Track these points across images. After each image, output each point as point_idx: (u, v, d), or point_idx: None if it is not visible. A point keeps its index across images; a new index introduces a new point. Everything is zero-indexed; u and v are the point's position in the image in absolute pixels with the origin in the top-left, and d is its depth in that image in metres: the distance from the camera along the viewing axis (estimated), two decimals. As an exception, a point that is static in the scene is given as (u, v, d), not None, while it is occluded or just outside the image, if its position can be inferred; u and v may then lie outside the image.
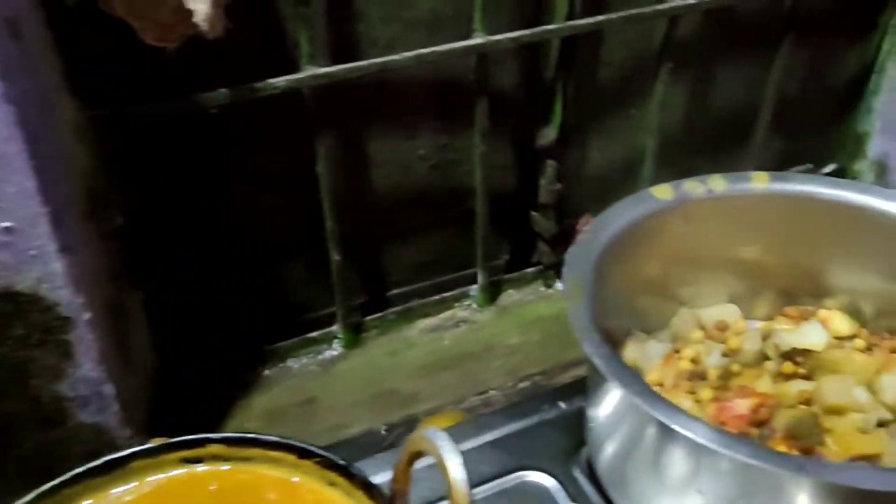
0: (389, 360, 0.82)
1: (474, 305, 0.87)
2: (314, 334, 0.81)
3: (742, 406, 0.51)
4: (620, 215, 0.56)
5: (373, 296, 0.85)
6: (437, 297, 0.86)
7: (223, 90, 0.61)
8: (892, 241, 0.56)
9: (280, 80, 0.62)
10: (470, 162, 0.79)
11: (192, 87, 0.61)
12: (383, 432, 0.74)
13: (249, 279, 0.77)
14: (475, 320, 0.86)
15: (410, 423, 0.75)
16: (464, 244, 0.85)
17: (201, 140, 0.68)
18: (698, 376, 0.55)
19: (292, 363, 0.80)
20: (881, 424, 0.53)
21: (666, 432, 0.44)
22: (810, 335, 0.57)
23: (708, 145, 0.95)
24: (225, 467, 0.39)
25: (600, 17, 0.73)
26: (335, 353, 0.82)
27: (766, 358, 0.58)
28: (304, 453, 0.38)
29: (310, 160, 0.70)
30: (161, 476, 0.39)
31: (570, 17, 0.74)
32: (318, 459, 0.38)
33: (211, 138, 0.68)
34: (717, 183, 0.58)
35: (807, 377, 0.56)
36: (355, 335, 0.82)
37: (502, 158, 0.83)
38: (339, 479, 0.38)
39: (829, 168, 1.03)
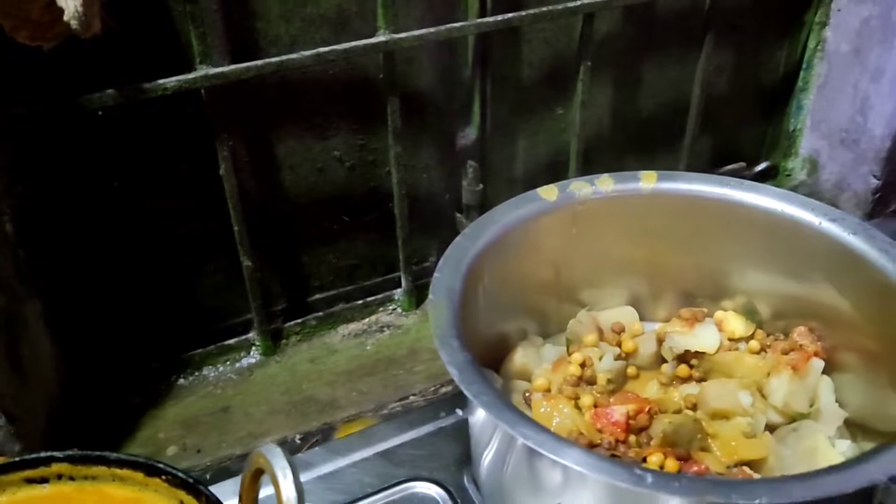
0: (310, 367, 0.80)
1: (399, 310, 0.86)
2: (231, 342, 0.79)
3: (618, 413, 0.49)
4: (502, 217, 0.55)
5: (294, 301, 0.83)
6: (360, 302, 0.85)
7: (110, 91, 0.59)
8: (785, 240, 0.55)
9: (171, 81, 0.60)
10: (389, 163, 0.77)
11: (82, 89, 0.59)
12: (297, 441, 0.72)
13: (162, 286, 0.75)
14: (399, 325, 0.85)
15: (326, 432, 0.73)
16: (388, 247, 0.83)
17: (98, 143, 0.66)
18: (586, 381, 0.54)
19: (208, 371, 0.78)
20: (771, 427, 0.52)
21: (514, 442, 0.42)
22: (703, 337, 0.56)
23: (638, 145, 0.94)
24: (70, 486, 0.37)
25: (510, 15, 0.71)
26: (253, 360, 0.80)
27: (665, 360, 0.57)
28: (151, 471, 0.37)
29: (215, 163, 0.68)
30: (1, 498, 0.37)
31: (483, 14, 0.73)
32: (165, 477, 0.36)
33: (108, 141, 0.66)
34: (605, 183, 0.57)
35: (702, 379, 0.55)
36: (274, 342, 0.81)
37: (423, 159, 0.82)
38: (188, 498, 0.36)
39: (762, 166, 1.03)
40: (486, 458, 0.48)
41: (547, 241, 0.57)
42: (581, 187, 0.57)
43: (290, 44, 0.69)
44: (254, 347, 0.80)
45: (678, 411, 0.52)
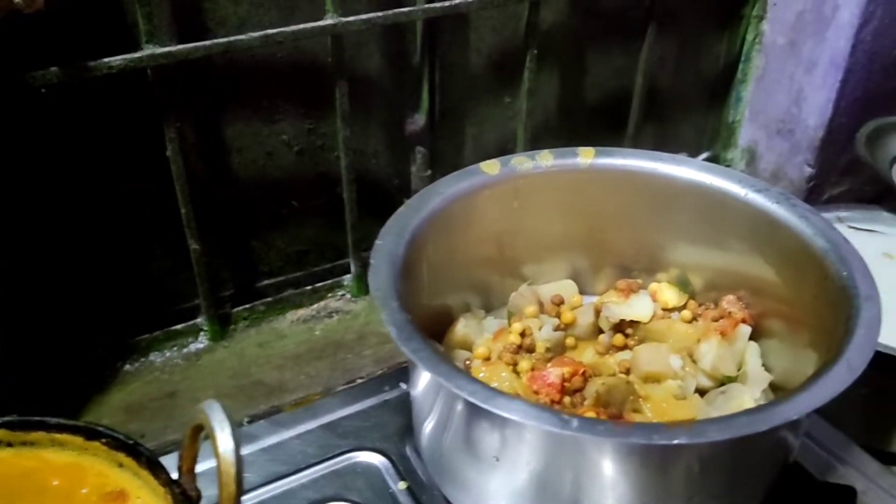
0: (258, 352, 0.80)
1: (348, 295, 0.86)
2: (178, 327, 0.79)
3: (554, 375, 0.51)
4: (445, 189, 0.56)
5: (243, 286, 0.83)
6: (309, 288, 0.85)
7: (54, 69, 0.58)
8: (714, 213, 0.57)
9: (116, 59, 0.60)
10: (338, 147, 0.78)
11: (25, 66, 0.58)
12: (245, 424, 0.72)
13: (108, 270, 0.74)
14: (348, 310, 0.85)
15: (273, 414, 0.73)
16: (337, 233, 0.84)
17: (42, 122, 0.65)
18: (525, 349, 0.55)
19: (155, 357, 0.78)
20: (702, 391, 0.54)
21: (449, 394, 0.43)
22: (637, 307, 0.58)
23: (583, 133, 0.96)
24: (7, 452, 0.37)
25: (457, 1, 0.73)
26: (201, 345, 0.80)
27: (602, 331, 0.58)
28: (90, 434, 0.37)
29: (162, 145, 0.67)
30: (-61, 465, 0.37)
31: (431, 0, 0.74)
32: (105, 440, 0.36)
33: (53, 121, 0.65)
34: (545, 158, 0.59)
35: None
36: (223, 327, 0.80)
37: (372, 144, 0.82)
38: (127, 460, 0.36)
39: (703, 156, 1.06)
40: (428, 426, 0.49)
41: (489, 214, 0.58)
42: (522, 162, 0.58)
43: (238, 25, 0.69)
44: (202, 332, 0.80)
45: (612, 375, 0.54)
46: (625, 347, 0.57)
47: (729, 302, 0.58)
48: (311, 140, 0.78)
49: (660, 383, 0.53)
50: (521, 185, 0.58)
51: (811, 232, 0.51)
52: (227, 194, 0.77)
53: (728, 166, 1.07)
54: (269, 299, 0.83)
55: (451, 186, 0.56)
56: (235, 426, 0.33)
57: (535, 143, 0.90)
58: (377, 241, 0.51)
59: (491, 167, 0.58)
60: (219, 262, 0.79)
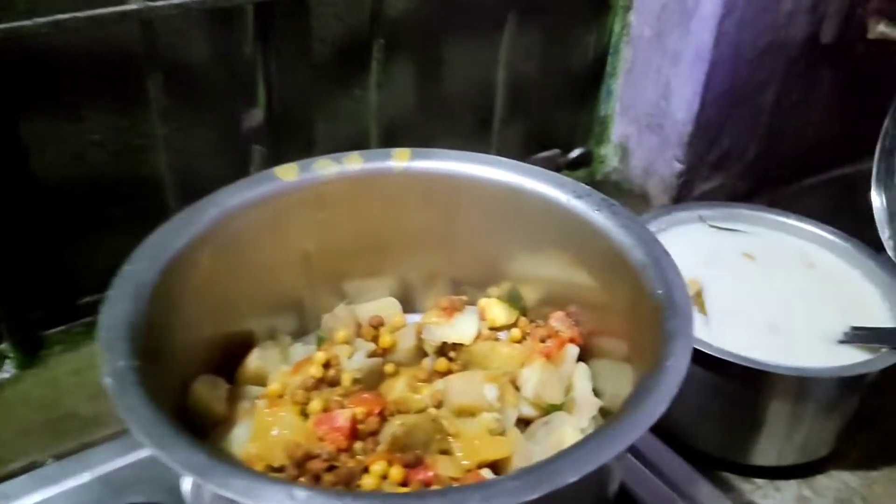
0: (73, 380, 0.70)
1: (183, 311, 0.78)
2: (-23, 355, 0.69)
3: (342, 417, 0.45)
4: (227, 200, 0.49)
5: (57, 305, 0.73)
6: (138, 304, 0.76)
7: None
8: (538, 220, 0.51)
9: None
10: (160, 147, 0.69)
11: None
12: (50, 463, 0.63)
13: None
14: (183, 327, 0.77)
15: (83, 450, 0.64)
16: (170, 242, 0.75)
17: None
18: (328, 383, 0.49)
19: (-50, 390, 0.68)
20: (528, 421, 0.48)
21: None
22: (460, 328, 0.52)
23: (448, 128, 0.91)
24: None
25: (282, -17, 0.65)
26: (6, 375, 0.70)
27: (427, 354, 0.52)
28: None
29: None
30: None
31: (255, -18, 0.66)
32: None
33: None
34: (354, 161, 0.52)
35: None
36: (32, 353, 0.71)
37: (201, 143, 0.74)
38: None
39: (576, 153, 1.02)
40: (186, 484, 0.42)
41: (290, 226, 0.51)
42: (325, 166, 0.51)
43: (25, 11, 0.60)
44: (7, 360, 0.70)
45: (422, 410, 0.48)
46: (448, 372, 0.51)
47: (557, 319, 0.52)
48: (127, 139, 0.70)
49: (474, 417, 0.47)
50: (327, 192, 0.51)
51: (630, 243, 0.46)
52: (30, 202, 0.67)
53: (602, 163, 1.03)
54: (89, 319, 0.74)
55: (234, 196, 0.49)
56: None
57: (395, 138, 0.84)
58: (125, 266, 0.44)
59: (287, 172, 0.51)
60: (26, 277, 0.70)
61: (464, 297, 0.55)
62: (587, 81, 0.99)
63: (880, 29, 0.95)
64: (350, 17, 0.76)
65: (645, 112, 0.94)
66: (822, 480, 0.62)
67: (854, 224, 1.15)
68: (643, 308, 0.43)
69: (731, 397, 0.59)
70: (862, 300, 0.65)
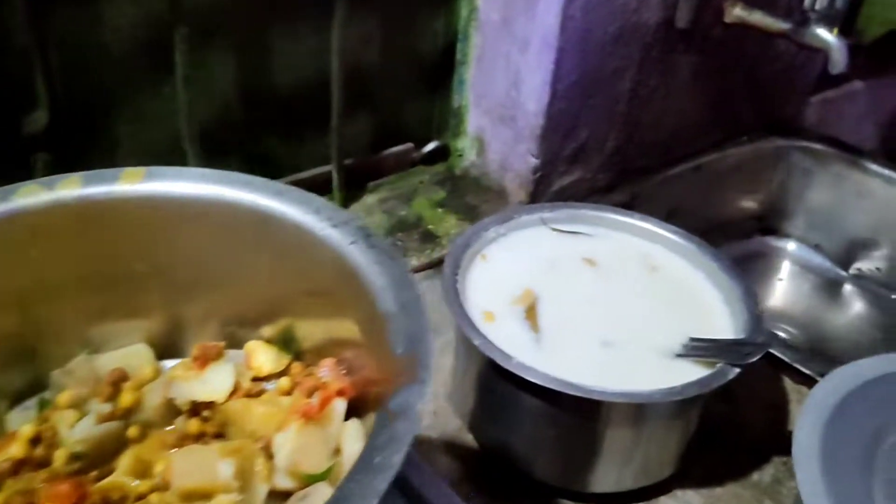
0: None
1: None
2: None
3: None
4: None
5: None
6: None
7: None
8: (300, 253, 0.43)
9: None
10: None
11: None
12: None
13: None
14: None
15: None
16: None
17: None
18: (39, 463, 0.40)
19: None
20: (286, 494, 0.41)
21: None
22: (212, 382, 0.44)
23: (282, 126, 0.83)
24: None
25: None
26: None
27: (180, 412, 0.45)
28: None
29: None
30: None
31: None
32: None
33: None
34: (71, 186, 0.44)
35: (219, 435, 0.44)
36: None
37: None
38: None
39: (431, 146, 0.96)
40: None
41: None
42: (32, 193, 0.43)
43: None
44: None
45: (142, 497, 0.40)
46: (203, 436, 0.44)
47: (327, 368, 0.45)
48: None
49: (208, 501, 0.39)
50: (38, 225, 0.42)
51: (382, 284, 0.40)
52: None
53: (460, 157, 0.97)
54: None
55: None
56: None
57: (218, 139, 0.76)
58: None
59: (-18, 204, 0.42)
60: None
61: (220, 344, 0.47)
62: (438, 70, 0.92)
63: (736, 13, 0.92)
64: (151, 3, 0.67)
65: (497, 103, 0.89)
66: (665, 502, 0.58)
67: (722, 210, 1.14)
68: (388, 365, 0.36)
69: (563, 425, 0.54)
70: (704, 306, 0.61)
